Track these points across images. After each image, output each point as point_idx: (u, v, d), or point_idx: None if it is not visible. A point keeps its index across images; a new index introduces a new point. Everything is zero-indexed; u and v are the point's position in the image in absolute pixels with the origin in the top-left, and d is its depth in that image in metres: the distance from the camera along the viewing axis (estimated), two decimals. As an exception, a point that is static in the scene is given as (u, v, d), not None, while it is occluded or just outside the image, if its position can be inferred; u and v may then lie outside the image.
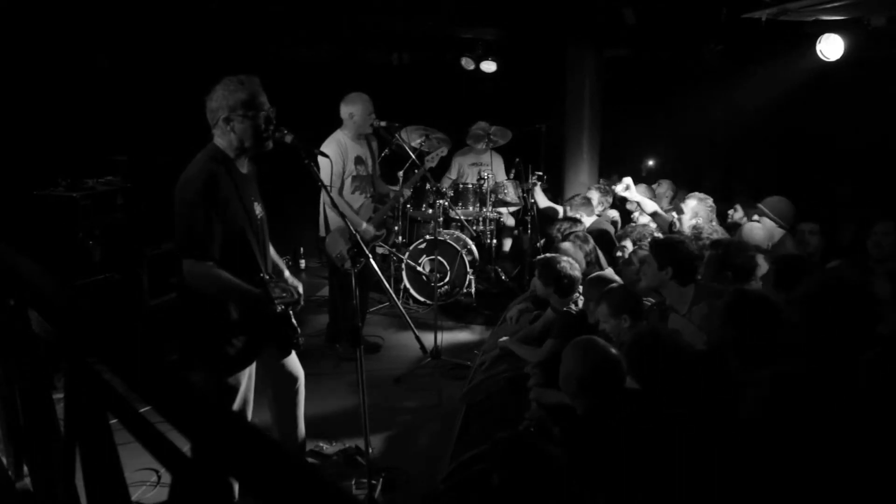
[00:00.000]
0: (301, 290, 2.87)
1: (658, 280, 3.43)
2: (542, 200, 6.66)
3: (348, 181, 4.92)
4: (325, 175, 4.64)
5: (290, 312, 2.82)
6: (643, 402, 2.41)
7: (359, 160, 4.98)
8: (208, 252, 2.55)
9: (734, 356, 2.49)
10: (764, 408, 2.05)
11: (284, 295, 2.73)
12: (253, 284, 2.67)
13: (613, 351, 2.48)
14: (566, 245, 4.37)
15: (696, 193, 4.98)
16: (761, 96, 6.98)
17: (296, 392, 3.14)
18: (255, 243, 2.73)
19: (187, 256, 2.57)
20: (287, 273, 2.99)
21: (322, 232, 4.97)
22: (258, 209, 2.82)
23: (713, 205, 4.93)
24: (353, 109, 4.86)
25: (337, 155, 4.75)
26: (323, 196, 4.85)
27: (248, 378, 2.85)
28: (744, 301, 2.57)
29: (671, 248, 3.42)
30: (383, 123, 5.03)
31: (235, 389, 2.79)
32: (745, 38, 6.03)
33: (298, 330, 2.87)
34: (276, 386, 3.09)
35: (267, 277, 2.73)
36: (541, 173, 6.67)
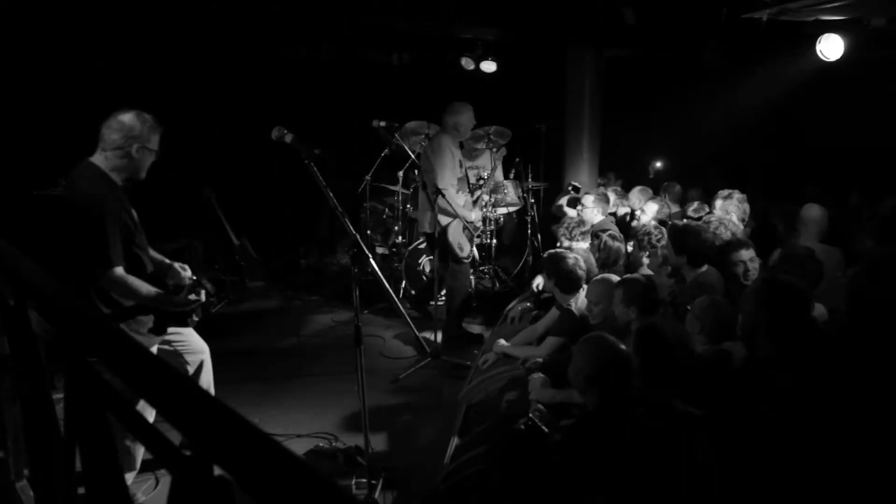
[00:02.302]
0: (188, 274, 3.12)
1: (676, 263, 3.84)
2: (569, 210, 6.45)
3: (454, 182, 5.40)
4: (442, 178, 5.17)
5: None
6: (650, 400, 2.41)
7: (460, 164, 5.47)
8: (113, 260, 2.82)
9: (767, 340, 2.50)
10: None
11: (197, 297, 3.03)
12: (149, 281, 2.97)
13: (623, 347, 2.48)
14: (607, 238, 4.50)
15: (726, 192, 4.99)
16: (761, 96, 6.98)
17: (201, 364, 3.34)
18: (142, 245, 3.05)
19: (103, 266, 2.80)
20: (173, 263, 3.18)
21: (427, 228, 5.49)
22: (135, 215, 3.09)
23: (742, 196, 4.93)
24: (458, 119, 5.27)
25: (449, 160, 5.28)
26: (435, 197, 5.24)
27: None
28: (774, 286, 2.60)
29: (684, 235, 3.87)
30: (383, 123, 5.05)
31: None
32: (745, 38, 6.03)
33: (196, 317, 3.25)
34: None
35: (194, 279, 3.10)
36: (576, 184, 6.63)
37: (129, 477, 3.11)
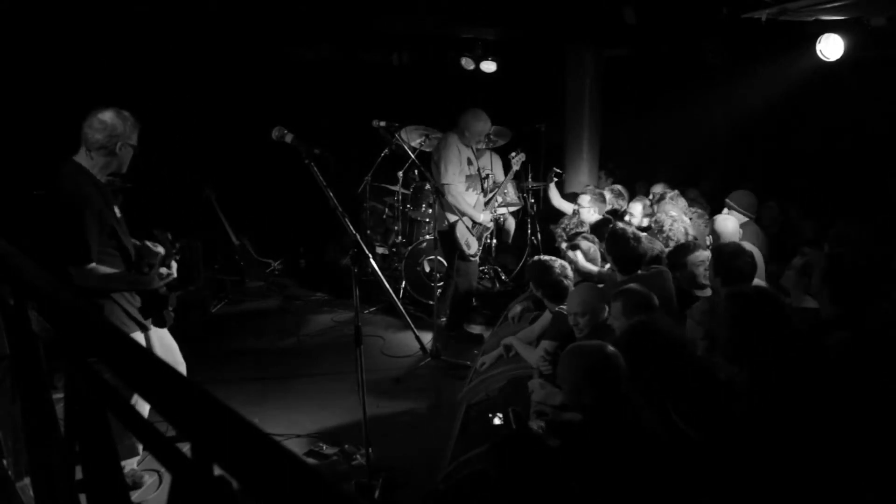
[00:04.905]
0: (160, 250, 3.18)
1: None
2: (556, 200, 6.67)
3: (462, 179, 5.40)
4: (444, 174, 5.23)
5: (170, 294, 3.20)
6: (641, 403, 2.40)
7: (469, 161, 5.50)
8: (91, 256, 2.90)
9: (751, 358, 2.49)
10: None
11: (164, 270, 3.12)
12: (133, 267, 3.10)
13: (609, 352, 2.38)
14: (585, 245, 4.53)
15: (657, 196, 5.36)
16: (761, 96, 6.98)
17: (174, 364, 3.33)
18: (124, 239, 3.11)
19: (75, 263, 2.88)
20: (144, 242, 3.21)
21: (439, 225, 5.49)
22: (117, 211, 3.16)
23: (674, 192, 5.27)
24: (471, 124, 5.33)
25: (455, 156, 5.31)
26: (437, 194, 5.29)
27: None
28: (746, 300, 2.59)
29: (611, 241, 3.99)
30: (383, 123, 5.05)
31: None
32: (745, 37, 6.02)
33: (171, 309, 3.23)
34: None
35: (157, 233, 3.22)
36: (559, 170, 6.72)
37: (133, 461, 3.20)
